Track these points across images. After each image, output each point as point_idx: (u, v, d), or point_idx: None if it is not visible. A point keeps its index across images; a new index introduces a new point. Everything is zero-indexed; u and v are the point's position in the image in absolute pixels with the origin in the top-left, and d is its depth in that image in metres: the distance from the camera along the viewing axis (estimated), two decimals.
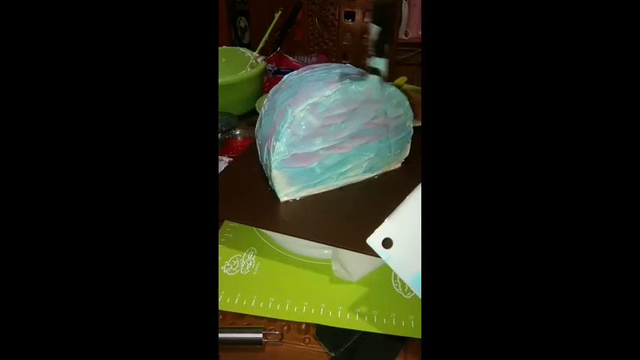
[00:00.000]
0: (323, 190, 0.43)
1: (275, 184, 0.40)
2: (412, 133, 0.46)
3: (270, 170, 0.39)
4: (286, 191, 0.41)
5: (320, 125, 0.38)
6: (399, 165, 0.48)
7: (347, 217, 0.40)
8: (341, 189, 0.44)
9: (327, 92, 0.37)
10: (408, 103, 0.43)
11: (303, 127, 0.37)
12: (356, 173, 0.45)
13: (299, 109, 0.37)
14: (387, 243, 0.29)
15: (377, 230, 0.29)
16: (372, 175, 0.46)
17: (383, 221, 0.30)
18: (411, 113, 0.44)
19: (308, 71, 0.42)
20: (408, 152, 0.48)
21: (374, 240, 0.29)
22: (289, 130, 0.37)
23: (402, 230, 0.29)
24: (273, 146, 0.38)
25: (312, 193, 0.43)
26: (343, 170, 0.43)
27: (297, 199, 0.42)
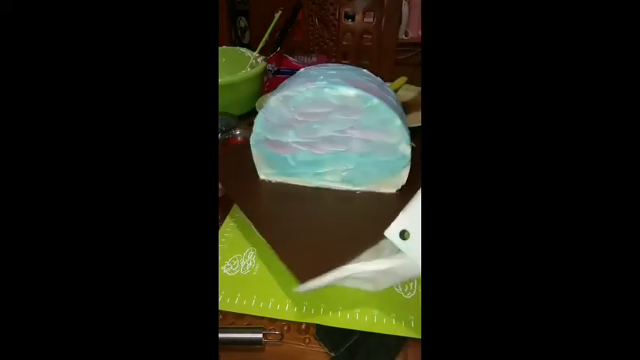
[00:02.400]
0: (299, 184, 0.45)
1: (255, 161, 0.45)
2: (409, 160, 0.41)
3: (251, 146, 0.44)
4: (264, 171, 0.46)
5: (291, 118, 0.40)
6: (394, 191, 0.44)
7: (309, 220, 0.41)
8: (318, 189, 0.45)
9: (301, 89, 0.38)
10: (401, 123, 0.38)
11: (276, 115, 0.40)
12: (333, 179, 0.44)
13: (274, 97, 0.39)
14: (404, 235, 0.30)
15: (393, 223, 0.30)
16: (353, 188, 0.44)
17: (336, 237, 0.34)
18: (406, 137, 0.39)
19: (323, 67, 0.42)
20: (405, 180, 0.43)
21: (392, 232, 0.30)
22: (263, 115, 0.41)
23: (418, 222, 0.29)
24: (254, 125, 0.42)
25: (287, 182, 0.46)
26: (319, 171, 0.44)
27: (273, 181, 0.46)
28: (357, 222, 0.40)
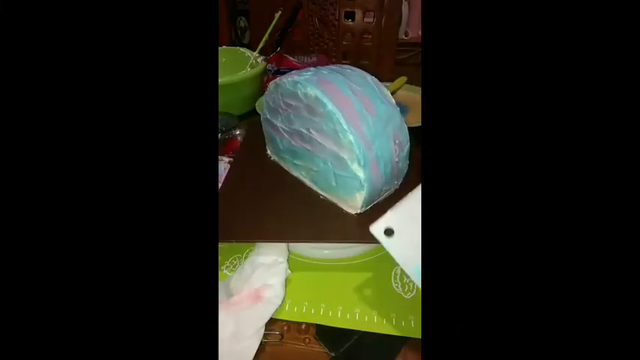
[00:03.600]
0: (285, 167, 0.48)
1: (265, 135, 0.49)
2: (363, 184, 0.36)
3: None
4: (268, 147, 0.50)
5: (279, 104, 0.42)
6: (353, 213, 0.40)
7: (261, 196, 0.43)
8: (295, 179, 0.46)
9: (285, 80, 0.39)
10: (352, 139, 0.34)
11: (271, 98, 0.43)
12: (305, 176, 0.45)
13: (272, 82, 0.42)
14: (388, 232, 0.30)
15: (380, 219, 0.30)
16: (319, 192, 0.43)
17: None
18: (360, 157, 0.35)
19: (330, 67, 0.42)
20: (360, 206, 0.38)
21: (376, 227, 0.30)
22: (265, 97, 0.45)
23: (404, 222, 0.30)
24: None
25: (278, 162, 0.49)
26: (296, 163, 0.45)
27: (271, 158, 0.50)
28: (294, 220, 0.39)
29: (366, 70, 0.42)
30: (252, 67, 0.69)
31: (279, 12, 0.71)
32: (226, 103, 0.61)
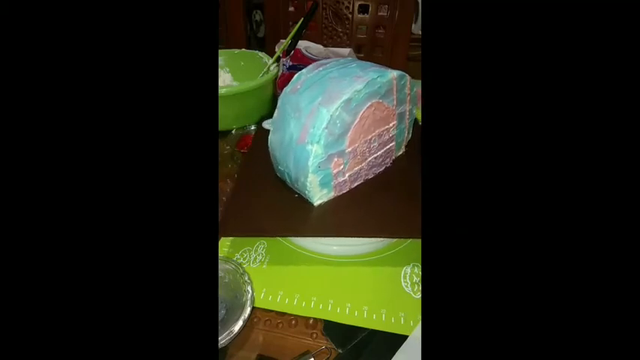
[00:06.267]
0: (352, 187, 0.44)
1: (310, 189, 0.39)
2: (415, 117, 0.48)
3: (306, 176, 0.38)
4: (320, 194, 0.40)
5: (351, 121, 0.38)
6: (404, 149, 0.50)
7: (377, 208, 0.41)
8: (365, 182, 0.45)
9: (358, 86, 0.36)
10: (415, 90, 0.45)
11: (339, 125, 0.37)
12: None
13: (334, 107, 0.36)
14: None
15: None
16: (389, 164, 0.48)
17: (406, 205, 0.38)
18: (416, 99, 0.47)
19: (321, 68, 0.41)
20: (410, 135, 0.50)
21: None
22: (327, 130, 0.36)
23: None
24: (309, 150, 0.37)
25: (342, 192, 0.43)
26: None
27: (331, 199, 0.42)
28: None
29: (378, 63, 0.42)
30: (267, 72, 0.68)
31: (301, 20, 0.70)
32: (246, 109, 0.62)
